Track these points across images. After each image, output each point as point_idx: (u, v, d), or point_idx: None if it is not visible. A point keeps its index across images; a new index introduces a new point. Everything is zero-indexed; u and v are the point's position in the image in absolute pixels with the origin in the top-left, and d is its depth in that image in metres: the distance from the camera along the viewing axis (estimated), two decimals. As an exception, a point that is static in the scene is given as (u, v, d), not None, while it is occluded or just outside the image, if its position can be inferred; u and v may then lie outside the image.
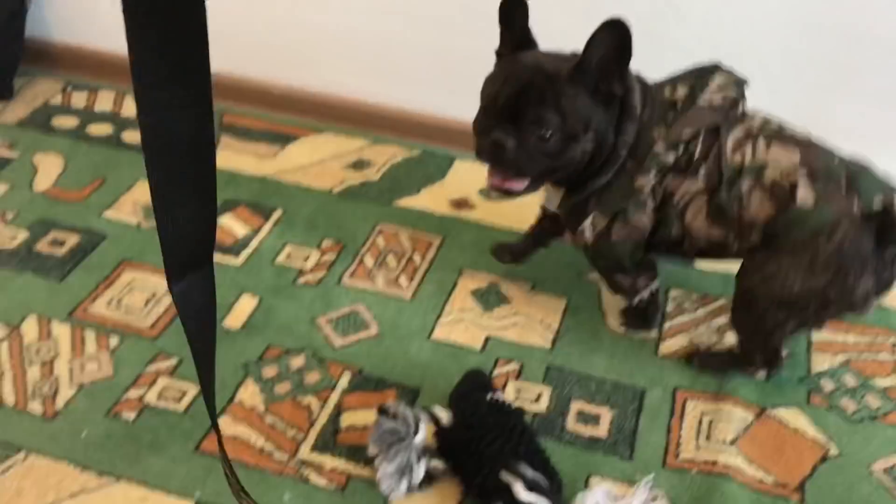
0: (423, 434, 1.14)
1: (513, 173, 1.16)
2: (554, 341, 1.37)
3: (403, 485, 1.13)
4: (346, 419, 1.24)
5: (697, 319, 1.41)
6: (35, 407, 1.24)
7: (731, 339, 1.35)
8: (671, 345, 1.37)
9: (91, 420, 1.22)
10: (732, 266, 1.48)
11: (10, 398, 1.25)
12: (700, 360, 1.32)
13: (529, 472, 1.06)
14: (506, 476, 1.06)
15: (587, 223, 1.22)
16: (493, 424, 1.11)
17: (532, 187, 1.19)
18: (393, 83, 1.81)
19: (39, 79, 1.98)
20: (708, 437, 1.22)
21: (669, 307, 1.43)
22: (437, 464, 1.15)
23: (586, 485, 1.16)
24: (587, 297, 1.44)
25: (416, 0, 1.67)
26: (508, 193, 1.18)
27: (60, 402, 1.25)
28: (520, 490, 1.05)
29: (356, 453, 1.18)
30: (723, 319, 1.41)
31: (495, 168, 1.17)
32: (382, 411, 1.16)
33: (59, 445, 1.19)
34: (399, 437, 1.13)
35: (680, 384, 1.30)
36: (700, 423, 1.24)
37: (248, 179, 1.70)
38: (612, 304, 1.41)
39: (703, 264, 1.50)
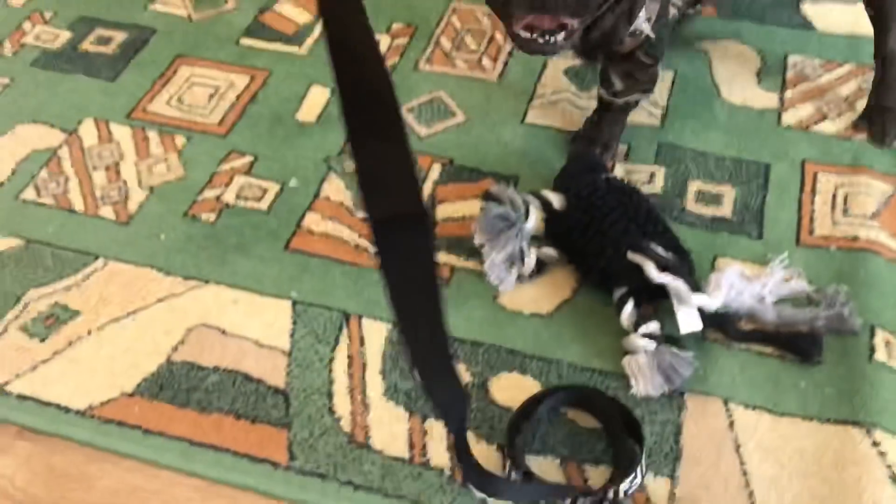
0: (535, 219, 1.03)
1: (567, 13, 0.87)
2: (663, 118, 1.23)
3: (513, 274, 1.03)
4: (442, 211, 1.13)
5: (822, 87, 1.25)
6: (107, 212, 1.15)
7: (860, 107, 1.21)
8: (795, 115, 1.22)
9: (168, 223, 1.13)
10: (857, 28, 1.32)
11: (78, 204, 1.16)
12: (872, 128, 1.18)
13: (660, 252, 0.96)
14: (634, 257, 0.96)
15: (640, 19, 1.01)
16: (614, 204, 1.00)
17: (581, 27, 0.92)
18: None
19: None
20: (845, 212, 1.10)
21: (790, 74, 1.27)
22: (549, 251, 1.05)
23: (713, 267, 1.05)
24: (697, 68, 1.29)
25: None
26: (556, 44, 0.89)
27: (133, 206, 1.16)
28: (651, 271, 0.94)
29: (458, 245, 1.08)
30: (851, 87, 1.25)
31: (542, 13, 0.87)
32: (489, 196, 1.05)
33: (139, 251, 1.10)
34: (508, 224, 1.02)
35: (808, 156, 1.17)
36: (834, 197, 1.12)
37: (300, -38, 1.52)
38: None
39: (825, 26, 1.33)
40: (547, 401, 0.93)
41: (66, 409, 0.95)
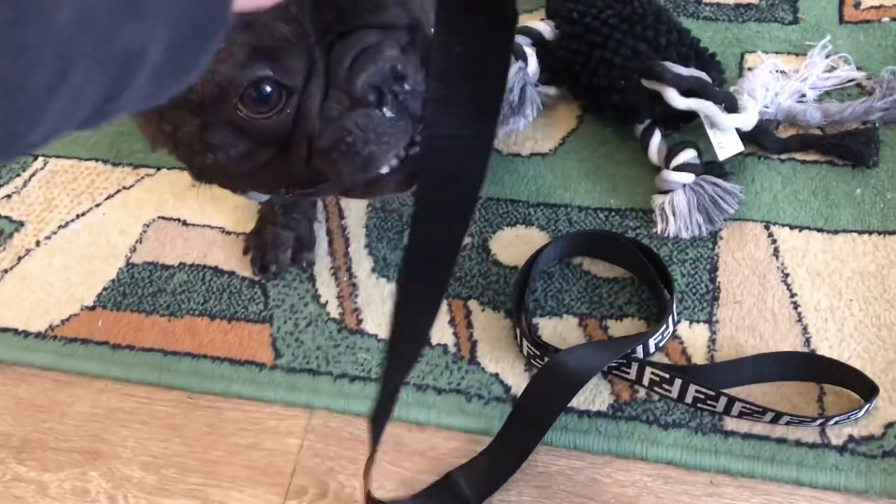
0: (534, 63, 0.85)
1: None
2: None
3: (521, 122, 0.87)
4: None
5: None
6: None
7: None
8: None
9: (109, 106, 0.99)
10: None
11: None
12: None
13: (680, 72, 0.78)
14: (650, 84, 0.79)
15: None
16: (614, 21, 0.82)
17: None
18: None
19: None
20: (898, -26, 0.91)
21: None
22: (549, 90, 0.88)
23: (741, 67, 0.88)
24: None
25: None
26: None
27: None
28: (674, 98, 0.78)
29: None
30: None
31: None
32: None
33: (79, 142, 0.97)
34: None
35: (849, -88, 0.96)
36: (885, -43, 0.92)
37: None
38: None
39: None
40: (556, 251, 0.80)
41: (25, 333, 0.85)
